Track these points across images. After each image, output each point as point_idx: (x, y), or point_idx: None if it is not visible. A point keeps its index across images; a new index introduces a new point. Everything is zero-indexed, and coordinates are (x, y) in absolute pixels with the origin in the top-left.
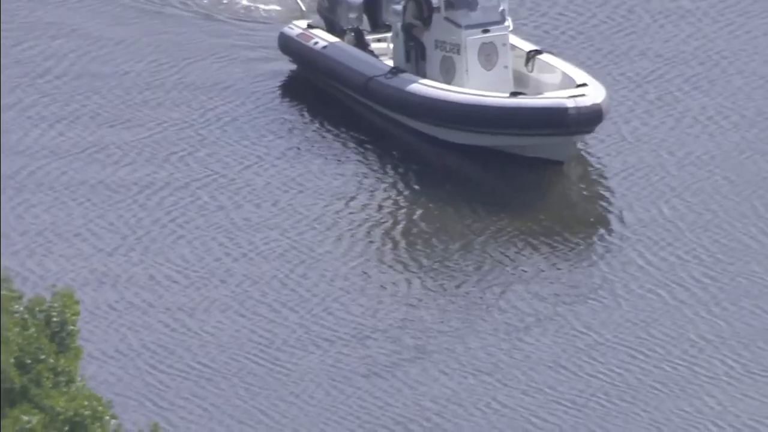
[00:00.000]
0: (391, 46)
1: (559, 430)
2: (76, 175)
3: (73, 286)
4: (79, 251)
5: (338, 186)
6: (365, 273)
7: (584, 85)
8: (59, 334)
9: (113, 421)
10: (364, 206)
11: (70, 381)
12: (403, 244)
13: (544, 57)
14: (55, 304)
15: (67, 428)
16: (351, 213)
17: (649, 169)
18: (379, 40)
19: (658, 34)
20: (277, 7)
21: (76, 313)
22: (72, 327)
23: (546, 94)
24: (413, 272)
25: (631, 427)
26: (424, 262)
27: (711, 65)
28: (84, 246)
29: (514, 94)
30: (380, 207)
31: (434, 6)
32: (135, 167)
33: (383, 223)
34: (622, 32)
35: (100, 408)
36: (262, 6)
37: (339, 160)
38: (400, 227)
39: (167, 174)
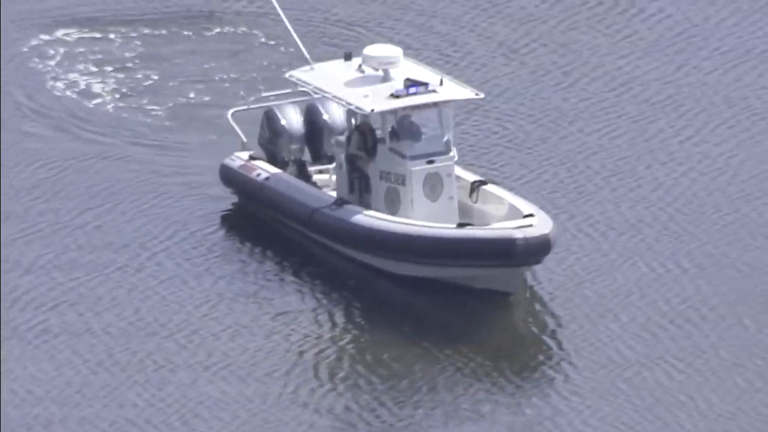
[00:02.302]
0: (334, 177)
1: None
2: None
3: None
4: None
5: (279, 316)
6: (283, 395)
7: (531, 215)
8: None
9: None
10: (305, 339)
11: None
12: (339, 375)
13: (489, 188)
14: None
15: None
16: (290, 347)
17: (594, 296)
18: (320, 172)
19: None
20: (216, 138)
21: None
22: None
23: (494, 225)
24: (346, 405)
25: None
26: (363, 394)
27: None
28: None
29: (461, 225)
30: (324, 339)
31: (379, 137)
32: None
33: (326, 354)
34: (566, 166)
35: None
36: (201, 137)
37: (280, 293)
38: (342, 359)
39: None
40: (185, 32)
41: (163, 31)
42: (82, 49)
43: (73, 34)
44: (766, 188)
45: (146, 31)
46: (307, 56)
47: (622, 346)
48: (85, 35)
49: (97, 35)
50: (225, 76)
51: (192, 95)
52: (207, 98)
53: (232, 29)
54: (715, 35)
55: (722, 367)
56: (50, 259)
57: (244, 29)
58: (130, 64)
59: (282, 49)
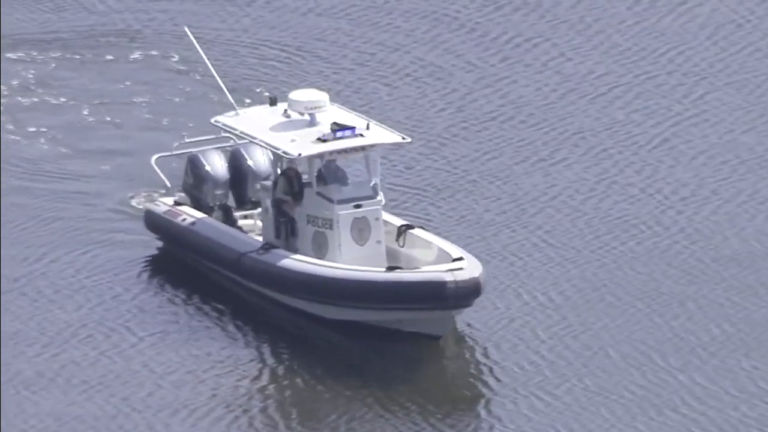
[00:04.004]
0: (259, 222)
1: None
2: None
3: None
4: None
5: (206, 365)
6: None
7: (460, 259)
8: None
9: None
10: (235, 386)
11: None
12: (270, 422)
13: (416, 232)
14: None
15: None
16: (219, 393)
17: (521, 341)
18: (246, 217)
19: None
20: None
21: None
22: None
23: (424, 269)
24: None
25: None
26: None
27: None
28: None
29: (391, 269)
30: (252, 386)
31: (305, 181)
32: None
33: (254, 401)
34: (493, 208)
35: None
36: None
37: (202, 334)
38: (269, 405)
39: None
40: (95, 55)
41: (76, 56)
42: None
43: None
44: (644, 216)
45: (56, 53)
46: (232, 101)
47: (505, 376)
48: None
49: None
50: (137, 101)
51: (93, 120)
52: (117, 122)
53: (143, 54)
54: (602, 63)
55: (587, 397)
56: None
57: (156, 52)
58: (28, 86)
59: (197, 77)
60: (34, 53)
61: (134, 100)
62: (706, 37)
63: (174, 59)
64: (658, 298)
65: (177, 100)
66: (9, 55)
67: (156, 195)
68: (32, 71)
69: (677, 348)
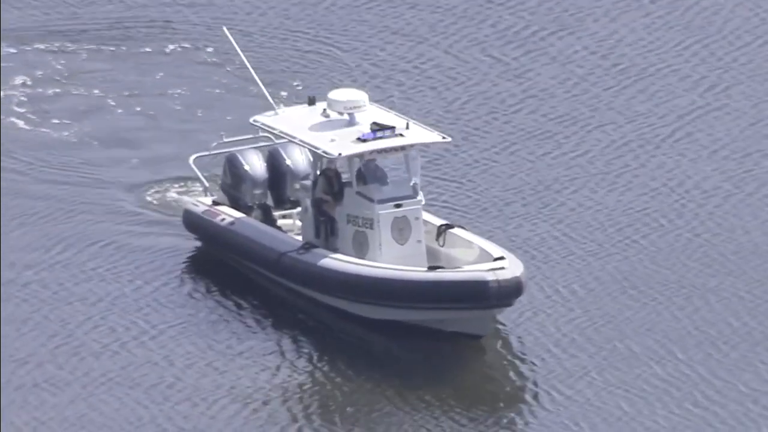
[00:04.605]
0: (298, 222)
1: None
2: None
3: None
4: None
5: (248, 365)
6: None
7: (501, 258)
8: None
9: None
10: (276, 385)
11: None
12: (287, 416)
13: (456, 231)
14: None
15: None
16: (261, 391)
17: (561, 340)
18: (284, 216)
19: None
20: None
21: None
22: None
23: (465, 268)
24: None
25: None
26: None
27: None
28: None
29: (432, 268)
30: (287, 381)
31: (345, 181)
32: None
33: (286, 395)
34: (515, 201)
35: None
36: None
37: (244, 335)
38: (292, 398)
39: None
40: (128, 47)
41: (110, 47)
42: (10, 64)
43: (7, 48)
44: (665, 209)
45: (89, 45)
46: (271, 100)
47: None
48: (12, 50)
49: (27, 48)
50: (170, 93)
51: (122, 113)
52: (150, 114)
53: (177, 46)
54: (616, 52)
55: (608, 391)
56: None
57: (189, 45)
58: (57, 78)
59: (229, 69)
60: (67, 44)
61: (168, 92)
62: (727, 30)
63: (209, 50)
64: (679, 291)
65: (215, 92)
66: (38, 45)
67: (175, 188)
68: (62, 62)
69: (699, 341)
